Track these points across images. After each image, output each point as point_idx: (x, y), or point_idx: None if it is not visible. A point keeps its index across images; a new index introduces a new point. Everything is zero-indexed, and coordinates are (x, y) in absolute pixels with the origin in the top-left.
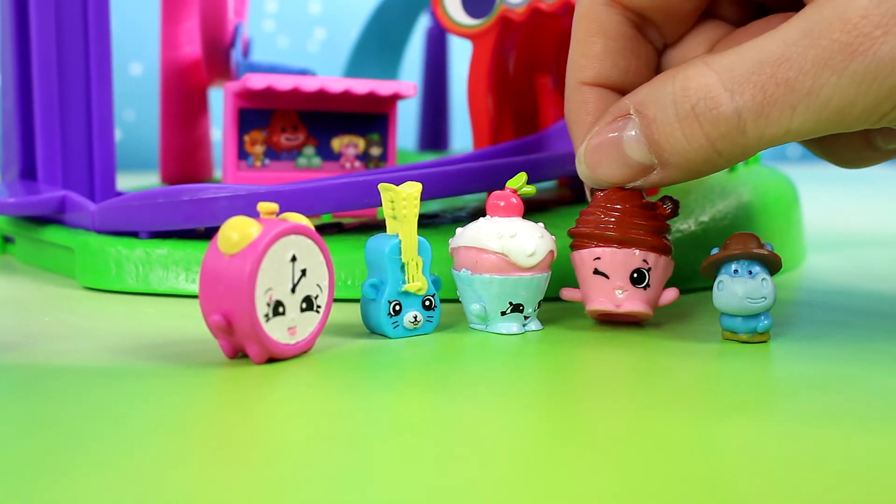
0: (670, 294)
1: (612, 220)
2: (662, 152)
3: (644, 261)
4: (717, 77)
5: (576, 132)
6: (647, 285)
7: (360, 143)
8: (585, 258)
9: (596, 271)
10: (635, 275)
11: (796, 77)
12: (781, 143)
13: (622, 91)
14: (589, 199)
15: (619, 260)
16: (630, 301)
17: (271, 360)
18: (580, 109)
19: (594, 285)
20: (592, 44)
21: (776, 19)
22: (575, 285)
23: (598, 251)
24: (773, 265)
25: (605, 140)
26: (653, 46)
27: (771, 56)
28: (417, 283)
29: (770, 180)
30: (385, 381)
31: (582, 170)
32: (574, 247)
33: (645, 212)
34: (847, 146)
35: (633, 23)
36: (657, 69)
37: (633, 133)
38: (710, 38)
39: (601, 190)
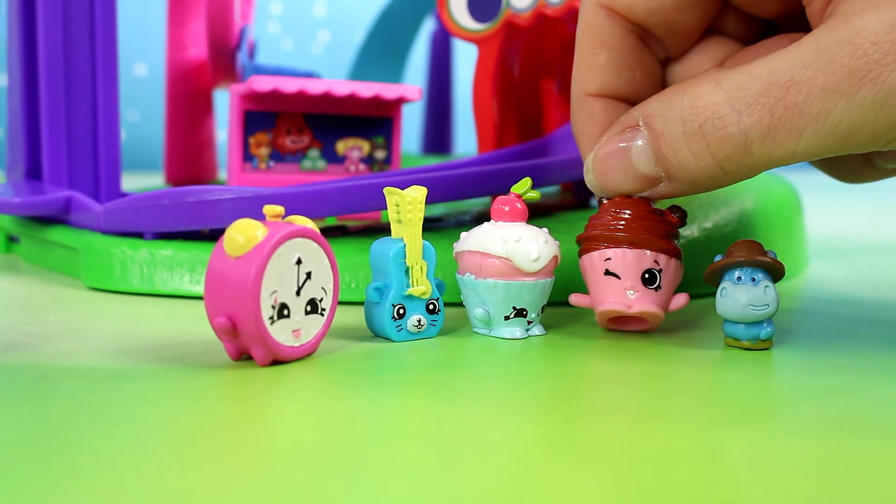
0: (681, 299)
1: (622, 222)
2: (669, 167)
3: (655, 262)
4: (726, 96)
5: (583, 142)
6: (659, 286)
7: (365, 146)
8: (596, 260)
9: (607, 272)
10: (646, 275)
11: (805, 101)
12: (788, 164)
13: (628, 101)
14: (598, 207)
15: (630, 260)
16: (641, 301)
17: (275, 362)
18: (587, 120)
19: (605, 286)
20: (596, 55)
21: (786, 40)
22: (581, 291)
23: (608, 252)
24: (776, 272)
25: (613, 150)
26: (657, 57)
27: (780, 78)
28: (421, 286)
29: (773, 188)
30: (388, 384)
31: (590, 178)
32: (584, 251)
33: (654, 216)
34: (848, 164)
35: (637, 34)
36: (662, 79)
37: (641, 145)
38: (716, 55)
39: (609, 199)
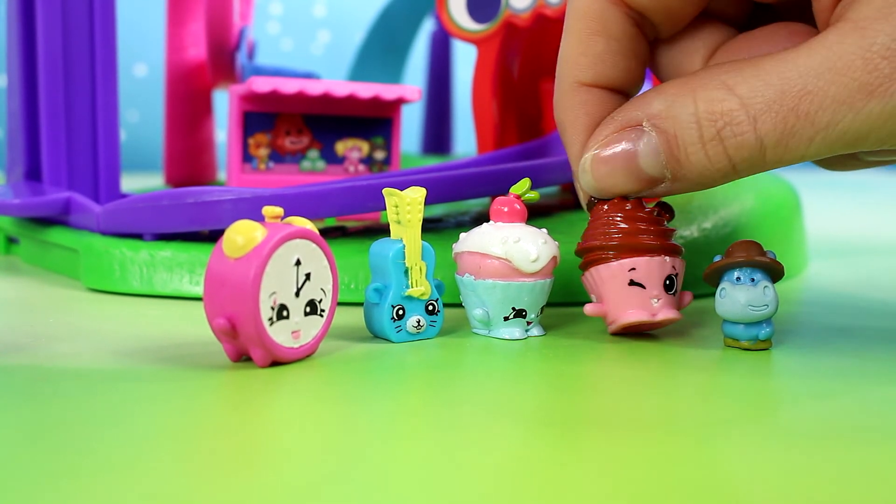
0: (687, 298)
1: (628, 229)
2: (681, 168)
3: (673, 267)
4: (741, 102)
5: (571, 134)
6: (676, 291)
7: (365, 146)
8: (617, 270)
9: (632, 282)
10: (667, 282)
11: (816, 111)
12: (794, 164)
13: (620, 91)
14: (584, 206)
15: (654, 268)
16: (665, 309)
17: (275, 363)
18: (578, 110)
19: (628, 297)
20: (593, 43)
21: (783, 29)
22: (581, 293)
23: (631, 261)
24: (775, 273)
25: (616, 152)
26: (647, 41)
27: (793, 87)
28: (421, 287)
29: (772, 187)
30: (387, 385)
31: (587, 179)
32: (594, 261)
33: (654, 219)
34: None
35: (634, 20)
36: (651, 65)
37: (649, 147)
38: (708, 41)
39: (602, 201)
